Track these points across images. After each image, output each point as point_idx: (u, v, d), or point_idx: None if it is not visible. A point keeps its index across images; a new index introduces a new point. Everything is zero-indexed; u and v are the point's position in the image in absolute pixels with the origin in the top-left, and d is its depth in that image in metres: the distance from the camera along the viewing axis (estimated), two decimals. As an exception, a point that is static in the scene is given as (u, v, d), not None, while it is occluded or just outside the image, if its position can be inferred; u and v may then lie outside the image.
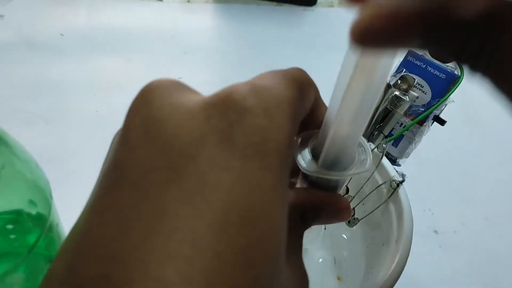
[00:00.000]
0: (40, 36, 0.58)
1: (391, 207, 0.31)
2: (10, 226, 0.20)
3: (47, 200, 0.22)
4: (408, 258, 0.28)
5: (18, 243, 0.21)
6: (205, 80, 0.55)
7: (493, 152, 0.52)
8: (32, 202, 0.21)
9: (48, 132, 0.45)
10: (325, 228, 0.38)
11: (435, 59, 0.33)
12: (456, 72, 0.32)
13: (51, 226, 0.22)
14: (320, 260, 0.35)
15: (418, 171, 0.48)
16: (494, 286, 0.38)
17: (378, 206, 0.31)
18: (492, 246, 0.41)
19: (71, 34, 0.60)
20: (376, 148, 0.33)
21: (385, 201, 0.31)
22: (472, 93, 0.60)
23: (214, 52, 0.61)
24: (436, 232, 0.42)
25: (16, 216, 0.21)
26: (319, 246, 0.36)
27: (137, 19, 0.65)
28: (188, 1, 0.70)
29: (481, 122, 0.56)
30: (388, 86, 0.30)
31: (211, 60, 0.59)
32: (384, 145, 0.32)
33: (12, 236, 0.21)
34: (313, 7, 0.73)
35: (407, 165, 0.35)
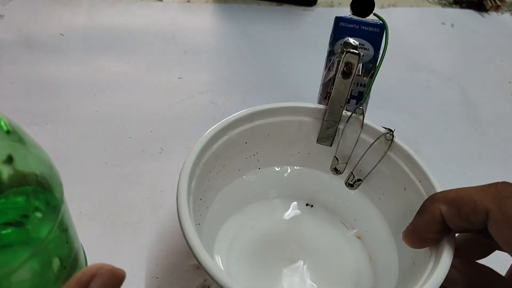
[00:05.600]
0: (40, 36, 0.58)
1: (393, 156, 0.32)
2: (23, 214, 0.21)
3: (58, 200, 0.22)
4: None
5: (29, 234, 0.21)
6: (205, 80, 0.55)
7: (493, 152, 0.52)
8: (42, 196, 0.21)
9: (48, 132, 0.45)
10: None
11: (354, 14, 0.34)
12: (381, 22, 0.34)
13: (61, 223, 0.23)
14: (351, 237, 0.36)
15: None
16: (494, 286, 0.38)
17: (380, 160, 0.33)
18: (492, 246, 0.41)
19: (71, 34, 0.60)
20: (355, 113, 0.34)
21: (385, 153, 0.32)
22: (472, 93, 0.60)
23: (214, 52, 0.61)
24: (436, 232, 0.42)
25: (28, 207, 0.21)
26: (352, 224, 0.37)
27: (137, 19, 0.65)
28: (188, 1, 0.70)
29: (481, 122, 0.56)
30: (335, 54, 0.31)
31: (211, 60, 0.59)
32: (360, 107, 0.34)
33: (24, 225, 0.21)
34: (313, 7, 0.73)
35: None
